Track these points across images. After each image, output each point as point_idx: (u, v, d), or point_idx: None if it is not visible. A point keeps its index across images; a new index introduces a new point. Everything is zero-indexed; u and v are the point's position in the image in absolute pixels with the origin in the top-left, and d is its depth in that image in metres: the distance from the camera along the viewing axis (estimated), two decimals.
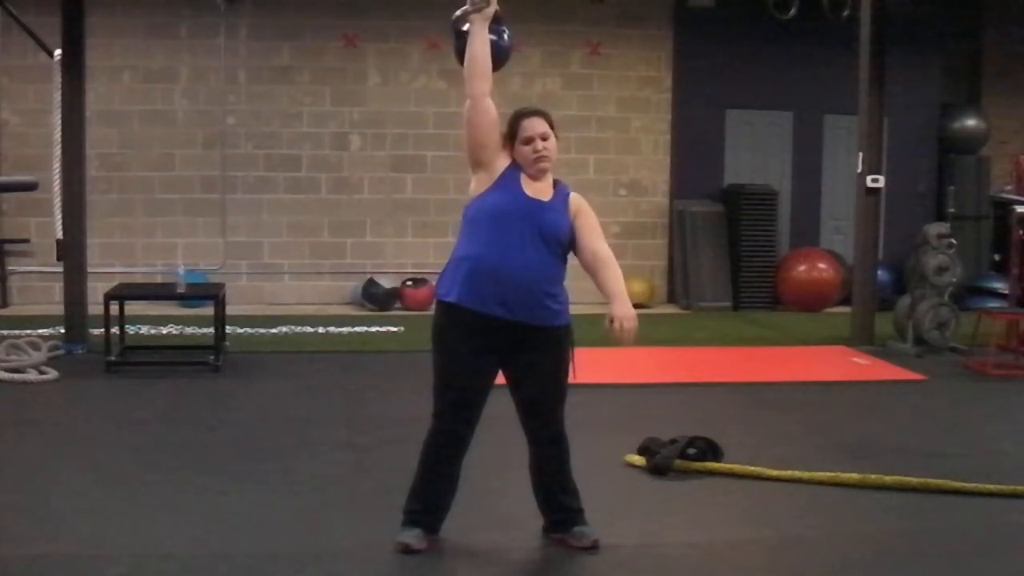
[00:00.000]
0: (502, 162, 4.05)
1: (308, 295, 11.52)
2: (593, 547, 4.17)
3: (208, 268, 10.98)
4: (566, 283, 4.14)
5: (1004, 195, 11.92)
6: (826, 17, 10.59)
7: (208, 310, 8.76)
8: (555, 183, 4.13)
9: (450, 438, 4.10)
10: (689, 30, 11.87)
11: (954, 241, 9.05)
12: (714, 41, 11.73)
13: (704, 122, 11.96)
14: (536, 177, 4.05)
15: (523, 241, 3.95)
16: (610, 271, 4.03)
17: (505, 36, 4.14)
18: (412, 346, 8.61)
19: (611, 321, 3.94)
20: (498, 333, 3.98)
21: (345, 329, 9.71)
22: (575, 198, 4.13)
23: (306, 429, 6.14)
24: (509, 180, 4.02)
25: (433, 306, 4.19)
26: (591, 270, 4.09)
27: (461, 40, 4.07)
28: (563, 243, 4.06)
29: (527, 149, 4.01)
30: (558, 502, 4.24)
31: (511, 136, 4.05)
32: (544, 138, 4.02)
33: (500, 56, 4.07)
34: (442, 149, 11.55)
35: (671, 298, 12.06)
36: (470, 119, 3.99)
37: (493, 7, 3.98)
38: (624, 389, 7.32)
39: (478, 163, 4.05)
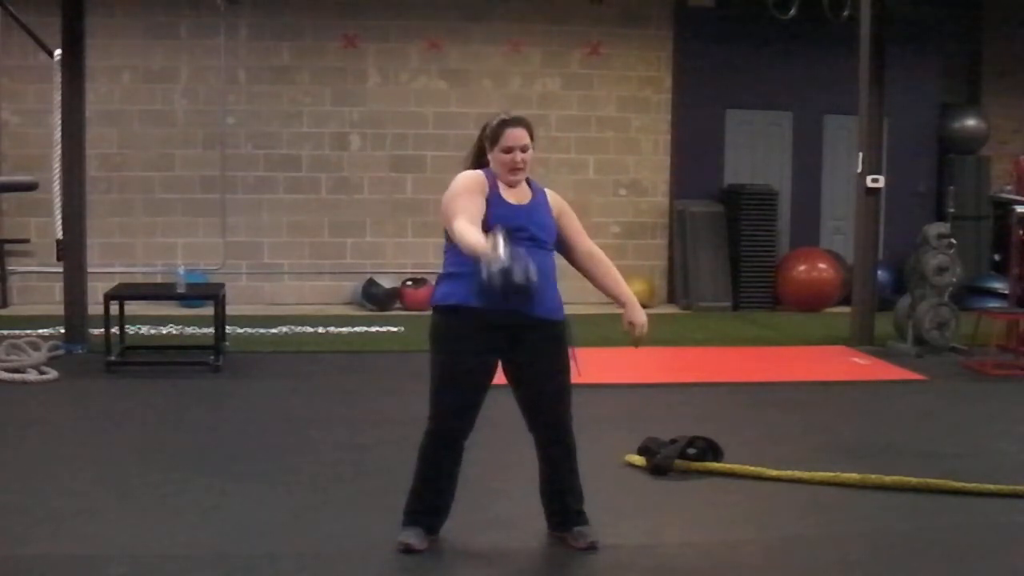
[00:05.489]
0: (482, 192, 4.02)
1: (308, 295, 11.52)
2: (591, 548, 4.17)
3: (208, 268, 10.98)
4: (564, 282, 4.15)
5: (1004, 195, 11.92)
6: (826, 17, 10.58)
7: (208, 310, 8.76)
8: (528, 182, 4.18)
9: (449, 438, 4.11)
10: (689, 30, 11.87)
11: (954, 241, 9.05)
12: (714, 41, 11.74)
13: (704, 122, 11.96)
14: (512, 184, 4.10)
15: (516, 242, 3.95)
16: (613, 273, 4.26)
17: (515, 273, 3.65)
18: (412, 346, 8.61)
19: (630, 324, 4.19)
20: (498, 330, 3.99)
21: (345, 329, 9.71)
22: (553, 196, 4.23)
23: (306, 429, 6.14)
24: (494, 198, 4.04)
25: (430, 313, 4.19)
26: (586, 269, 4.25)
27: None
28: (552, 239, 4.14)
29: (506, 158, 4.06)
30: (560, 502, 4.25)
31: (492, 141, 4.09)
32: (524, 150, 4.07)
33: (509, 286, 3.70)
34: (442, 149, 11.55)
35: (671, 298, 12.05)
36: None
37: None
38: (624, 389, 7.32)
39: None
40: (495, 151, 4.08)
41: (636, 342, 4.24)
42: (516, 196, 4.10)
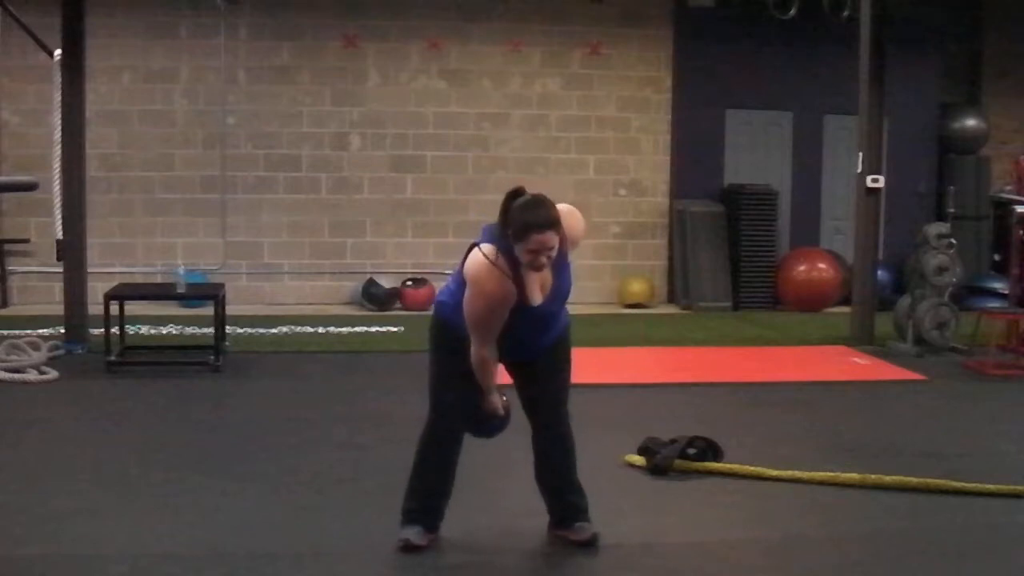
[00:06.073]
0: (505, 301, 3.86)
1: (308, 295, 11.52)
2: (591, 541, 4.18)
3: (208, 268, 10.98)
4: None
5: (1004, 195, 11.92)
6: (826, 17, 10.60)
7: (208, 310, 8.76)
8: None
9: (449, 435, 4.13)
10: (689, 30, 11.87)
11: (954, 241, 9.05)
12: (714, 41, 11.74)
13: (704, 122, 11.96)
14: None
15: (538, 325, 4.01)
16: None
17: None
18: (412, 346, 8.60)
19: None
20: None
21: (345, 329, 9.71)
22: (569, 222, 3.92)
23: (306, 429, 6.14)
24: (518, 304, 3.88)
25: (433, 312, 4.18)
26: None
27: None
28: (569, 291, 4.07)
29: (530, 257, 3.76)
30: (561, 499, 4.26)
31: (517, 236, 3.73)
32: (550, 249, 3.76)
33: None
34: (442, 149, 11.57)
35: (671, 298, 12.05)
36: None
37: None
38: (624, 389, 7.32)
39: None
40: (519, 246, 3.74)
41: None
42: (541, 282, 3.93)
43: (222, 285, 8.72)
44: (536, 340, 4.07)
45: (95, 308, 8.15)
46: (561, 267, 3.97)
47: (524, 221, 3.71)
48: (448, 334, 4.07)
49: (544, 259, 3.77)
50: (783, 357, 8.98)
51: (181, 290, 8.28)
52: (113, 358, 7.66)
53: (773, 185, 12.03)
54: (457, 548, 4.21)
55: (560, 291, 4.00)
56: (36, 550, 4.14)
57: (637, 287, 11.57)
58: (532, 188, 3.93)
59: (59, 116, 8.29)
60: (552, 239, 3.73)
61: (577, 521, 4.23)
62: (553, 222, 3.74)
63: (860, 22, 9.38)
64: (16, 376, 7.27)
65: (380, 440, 5.85)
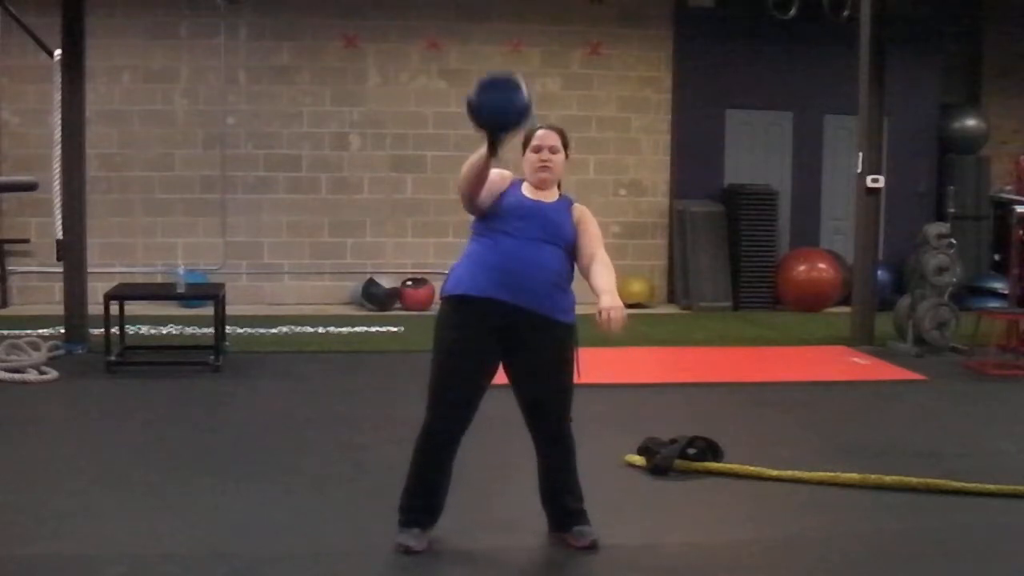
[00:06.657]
0: (500, 179, 4.14)
1: (308, 295, 11.52)
2: (592, 547, 4.18)
3: (208, 268, 10.99)
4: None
5: (1004, 195, 11.92)
6: (826, 17, 10.59)
7: (208, 310, 8.76)
8: (559, 194, 4.22)
9: (447, 435, 4.11)
10: (689, 30, 11.88)
11: (954, 241, 9.06)
12: (714, 41, 11.75)
13: (704, 122, 11.97)
14: (538, 186, 4.16)
15: (528, 235, 4.02)
16: (604, 270, 4.08)
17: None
18: (412, 346, 8.61)
19: (599, 312, 3.93)
20: (501, 323, 4.00)
21: (345, 329, 9.71)
22: (579, 207, 4.25)
23: (306, 429, 6.14)
24: (512, 190, 4.15)
25: (437, 305, 4.21)
26: (587, 271, 4.14)
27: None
28: (567, 241, 4.12)
29: (533, 156, 4.15)
30: (560, 502, 4.25)
31: (525, 143, 4.18)
32: (553, 151, 4.15)
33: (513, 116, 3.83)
34: (442, 149, 11.56)
35: (671, 298, 12.06)
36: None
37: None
38: (624, 389, 7.32)
39: (475, 205, 4.12)
40: (526, 152, 4.18)
41: (606, 329, 3.88)
42: (539, 196, 4.16)
43: (222, 285, 8.72)
44: (525, 254, 3.99)
45: (95, 308, 8.15)
46: (562, 206, 4.15)
47: (535, 127, 4.20)
48: (450, 319, 4.06)
49: (548, 158, 4.12)
50: (783, 357, 8.98)
51: (181, 290, 8.27)
52: (113, 358, 7.66)
53: (773, 185, 12.03)
54: (456, 549, 4.20)
55: (560, 208, 4.13)
56: (36, 550, 4.14)
57: (637, 287, 11.58)
58: None
59: (59, 116, 8.30)
60: (553, 137, 4.16)
61: (576, 525, 4.22)
62: (558, 128, 4.24)
63: (860, 22, 9.38)
64: (16, 376, 7.27)
65: (380, 440, 5.85)
